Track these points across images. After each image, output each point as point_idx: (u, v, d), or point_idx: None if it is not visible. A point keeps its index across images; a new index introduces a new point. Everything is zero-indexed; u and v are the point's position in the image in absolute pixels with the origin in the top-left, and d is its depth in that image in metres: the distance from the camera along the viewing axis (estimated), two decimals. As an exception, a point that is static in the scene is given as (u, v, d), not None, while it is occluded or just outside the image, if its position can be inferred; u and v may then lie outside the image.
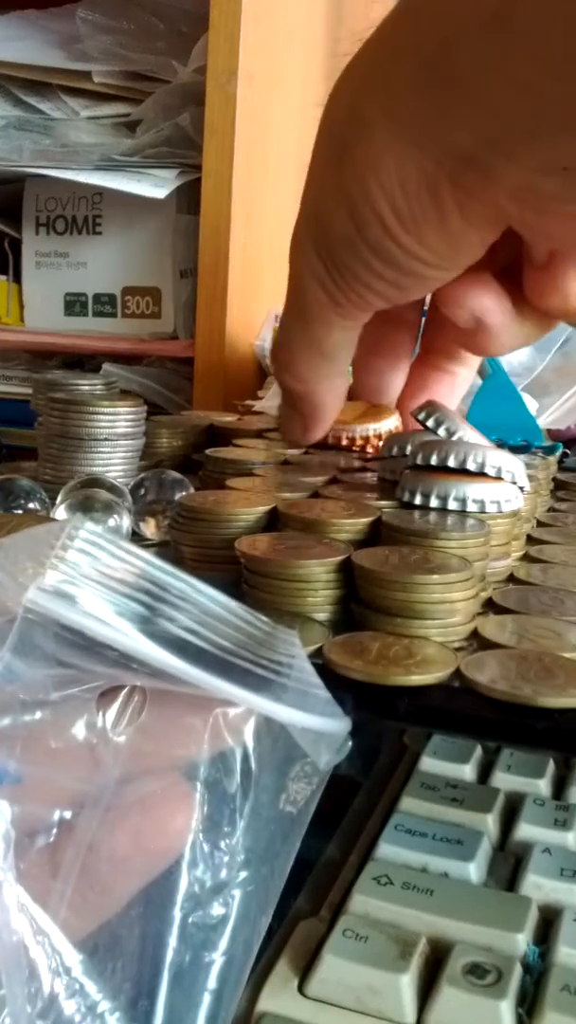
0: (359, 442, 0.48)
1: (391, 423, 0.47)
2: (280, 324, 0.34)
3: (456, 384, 0.38)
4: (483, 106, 0.24)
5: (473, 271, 0.29)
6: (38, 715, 0.21)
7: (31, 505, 0.39)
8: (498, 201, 0.25)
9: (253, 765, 0.22)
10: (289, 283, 0.32)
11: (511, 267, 0.31)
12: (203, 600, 0.23)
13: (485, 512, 0.33)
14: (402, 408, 0.39)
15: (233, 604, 0.23)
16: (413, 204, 0.26)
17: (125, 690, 0.21)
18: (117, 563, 0.22)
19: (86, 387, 0.44)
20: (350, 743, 0.23)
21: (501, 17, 0.22)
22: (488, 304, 0.31)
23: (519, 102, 0.23)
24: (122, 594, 0.21)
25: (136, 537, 0.39)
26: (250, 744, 0.22)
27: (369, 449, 0.47)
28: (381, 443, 0.47)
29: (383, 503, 0.35)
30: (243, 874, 0.22)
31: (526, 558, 0.36)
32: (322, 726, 0.22)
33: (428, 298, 0.35)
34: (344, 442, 0.48)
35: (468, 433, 0.38)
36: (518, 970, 0.26)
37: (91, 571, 0.21)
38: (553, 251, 0.29)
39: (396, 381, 0.38)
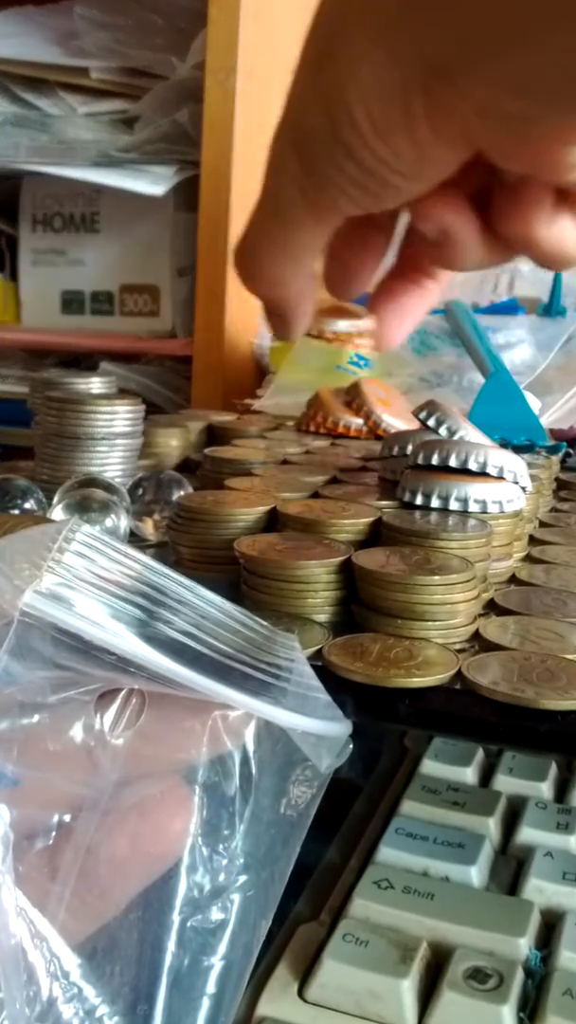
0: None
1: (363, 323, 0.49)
2: (248, 228, 0.35)
3: (425, 296, 0.40)
4: (452, 19, 0.25)
5: (447, 189, 0.31)
6: (36, 718, 0.21)
7: (28, 505, 0.39)
8: (465, 116, 0.27)
9: (253, 769, 0.22)
10: (263, 187, 0.34)
11: (485, 191, 0.32)
12: (201, 603, 0.22)
13: (487, 512, 0.33)
14: (372, 309, 0.40)
15: (231, 607, 0.23)
16: (387, 110, 0.28)
17: (123, 693, 0.21)
18: (114, 566, 0.21)
19: (83, 386, 0.44)
20: (351, 746, 0.23)
21: None
22: (455, 221, 0.33)
23: (480, 17, 0.24)
24: (119, 597, 0.21)
25: (134, 537, 0.39)
26: (250, 747, 0.22)
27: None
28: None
29: (384, 503, 0.35)
30: (242, 878, 0.22)
31: (528, 559, 0.36)
32: (322, 729, 0.22)
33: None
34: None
35: (469, 432, 0.38)
36: (520, 974, 0.26)
37: (88, 574, 0.21)
38: (523, 177, 0.31)
39: (362, 280, 0.39)
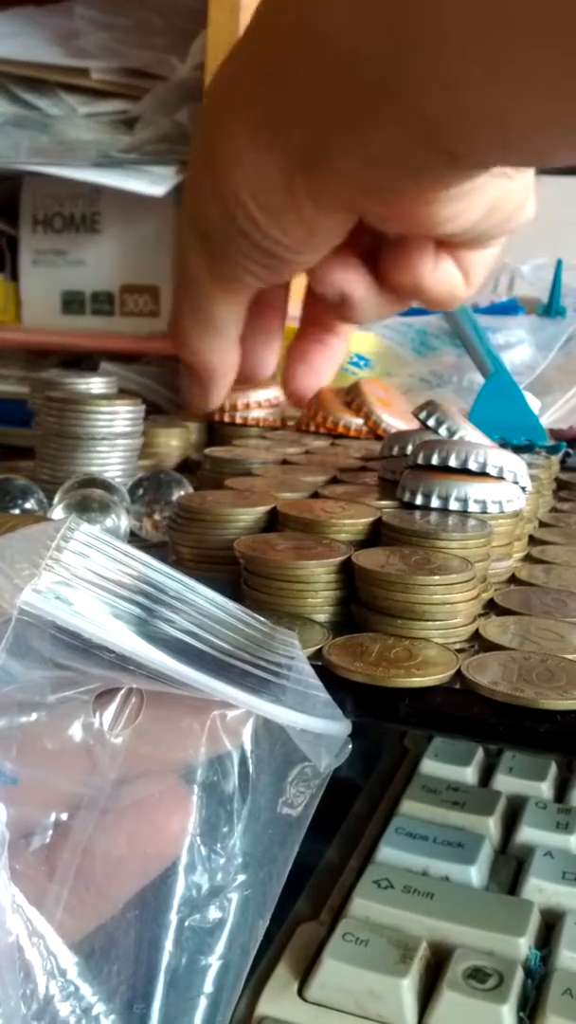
0: (240, 408, 0.52)
1: (271, 392, 0.52)
2: (173, 303, 0.38)
3: (332, 354, 0.43)
4: (307, 110, 0.27)
5: (339, 252, 0.33)
6: (34, 716, 0.21)
7: (28, 505, 0.39)
8: (342, 192, 0.29)
9: (251, 768, 0.22)
10: (179, 267, 0.36)
11: (374, 249, 0.35)
12: (200, 601, 0.22)
13: (487, 512, 0.33)
14: (286, 379, 0.43)
15: (231, 605, 0.23)
16: (272, 196, 0.30)
17: (122, 692, 0.21)
18: (113, 564, 0.21)
19: (83, 386, 0.44)
20: (351, 746, 0.23)
21: (303, 31, 0.26)
22: (349, 281, 0.35)
23: (326, 106, 0.26)
24: (118, 595, 0.21)
25: (134, 537, 0.39)
26: (248, 747, 0.22)
27: (248, 415, 0.52)
28: (259, 411, 0.52)
29: (383, 503, 0.35)
30: (241, 878, 0.22)
31: (528, 559, 0.36)
32: (322, 728, 0.22)
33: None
34: (227, 418, 0.52)
35: (469, 432, 0.38)
36: (519, 974, 0.26)
37: (86, 572, 0.21)
38: (403, 234, 0.33)
39: (270, 358, 0.42)
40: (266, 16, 0.28)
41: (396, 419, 0.51)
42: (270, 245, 0.31)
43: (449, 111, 0.23)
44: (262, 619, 0.24)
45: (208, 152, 0.32)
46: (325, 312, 0.40)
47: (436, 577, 0.27)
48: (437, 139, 0.24)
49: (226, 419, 0.52)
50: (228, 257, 0.33)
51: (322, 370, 0.42)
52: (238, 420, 0.52)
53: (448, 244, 0.34)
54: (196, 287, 0.35)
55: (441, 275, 0.34)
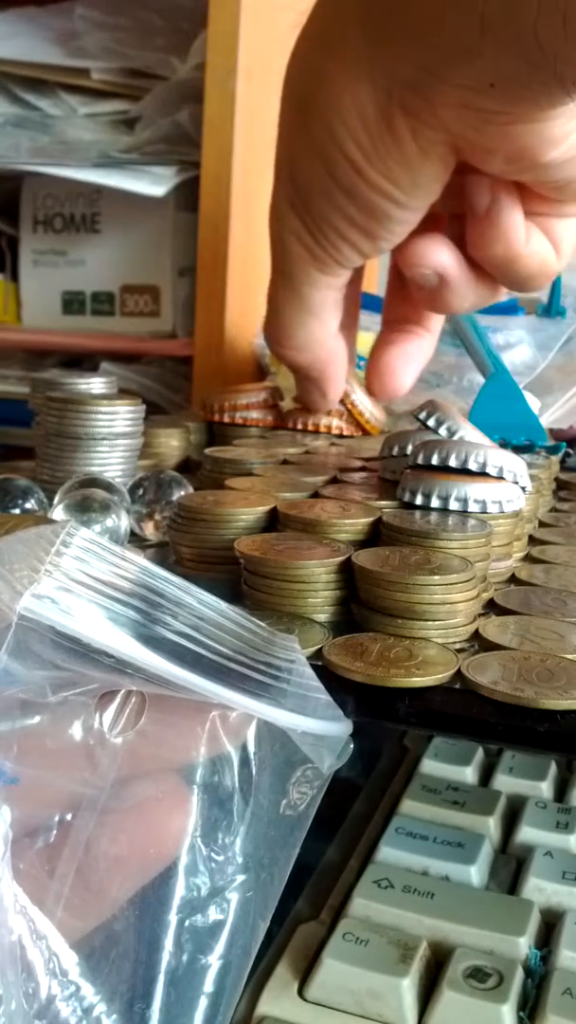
0: (238, 408, 0.51)
1: (265, 394, 0.51)
2: (268, 297, 0.37)
3: (422, 343, 0.42)
4: (415, 37, 0.27)
5: (429, 232, 0.33)
6: (36, 717, 0.21)
7: (29, 505, 0.39)
8: (444, 122, 0.29)
9: (253, 769, 0.22)
10: (272, 252, 0.36)
11: (460, 236, 0.35)
12: (198, 606, 0.22)
13: (486, 512, 0.33)
14: (372, 377, 0.42)
15: (230, 610, 0.23)
16: (374, 137, 0.30)
17: (123, 692, 0.21)
18: (112, 569, 0.21)
19: (84, 386, 0.44)
20: (352, 746, 0.23)
21: None
22: (447, 259, 0.35)
23: (440, 31, 0.26)
24: (118, 600, 0.21)
25: (134, 537, 0.39)
26: (251, 748, 0.22)
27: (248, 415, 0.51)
28: (255, 411, 0.51)
29: (383, 503, 0.35)
30: (242, 878, 0.22)
31: (528, 559, 0.36)
32: (322, 729, 0.22)
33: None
34: (227, 418, 0.51)
35: (469, 432, 0.38)
36: (520, 974, 0.26)
37: (85, 577, 0.21)
38: (494, 197, 0.33)
39: (351, 352, 0.42)
40: None
41: (369, 400, 0.51)
42: (373, 197, 0.31)
43: (564, 40, 0.24)
44: (261, 623, 0.24)
45: (303, 106, 0.31)
46: (413, 305, 0.39)
47: (436, 577, 0.27)
48: (552, 64, 0.25)
49: (225, 419, 0.52)
50: (328, 221, 0.32)
51: (415, 358, 0.41)
52: (237, 420, 0.52)
53: (537, 212, 0.33)
54: (292, 271, 0.35)
55: (536, 244, 0.34)
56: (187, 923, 0.21)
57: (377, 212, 0.31)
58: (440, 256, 0.35)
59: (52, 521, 0.34)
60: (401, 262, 0.36)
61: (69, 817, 0.21)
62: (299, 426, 0.51)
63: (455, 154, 0.30)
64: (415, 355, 0.41)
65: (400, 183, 0.31)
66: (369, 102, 0.29)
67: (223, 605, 0.23)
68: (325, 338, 0.37)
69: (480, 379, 0.54)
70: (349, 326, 0.40)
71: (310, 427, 0.51)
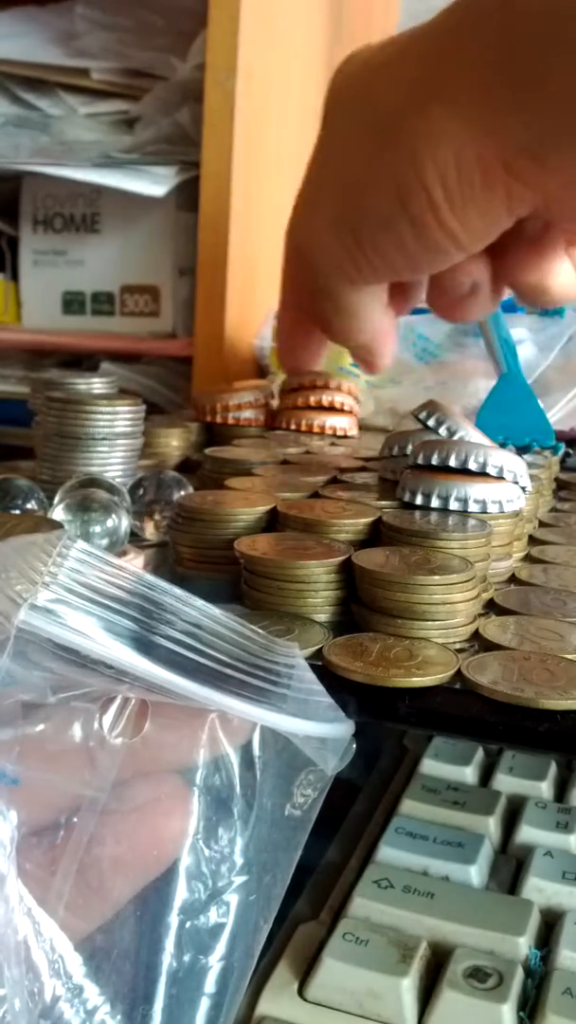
0: (232, 408, 0.52)
1: (260, 393, 0.53)
2: (277, 315, 0.40)
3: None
4: (549, 106, 0.27)
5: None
6: (37, 719, 0.21)
7: (29, 505, 0.39)
8: (547, 188, 0.29)
9: (257, 772, 0.22)
10: (298, 256, 0.36)
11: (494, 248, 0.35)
12: (196, 614, 0.23)
13: (486, 512, 0.33)
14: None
15: (227, 617, 0.23)
16: (464, 185, 0.29)
17: (123, 696, 0.21)
18: (108, 579, 0.22)
19: (84, 386, 0.44)
20: (354, 746, 0.23)
21: (555, 16, 0.25)
22: (484, 273, 0.36)
23: (569, 98, 0.26)
24: (115, 610, 0.21)
25: (134, 537, 0.39)
26: (255, 751, 0.22)
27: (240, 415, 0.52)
28: (249, 411, 0.52)
29: (383, 503, 0.35)
30: (244, 880, 0.22)
31: (528, 559, 0.36)
32: (325, 732, 0.22)
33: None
34: (219, 419, 0.52)
35: (469, 432, 0.38)
36: (519, 974, 0.26)
37: (82, 588, 0.21)
38: (546, 226, 0.33)
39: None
40: (499, 3, 0.27)
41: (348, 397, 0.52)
42: (440, 236, 0.31)
43: None
44: (259, 630, 0.24)
45: (388, 129, 0.30)
46: (436, 305, 0.40)
47: (436, 577, 0.27)
48: None
49: (218, 420, 0.52)
50: (377, 248, 0.32)
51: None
52: (230, 420, 0.52)
53: (572, 243, 0.34)
54: (329, 290, 0.35)
55: (565, 274, 0.35)
56: (189, 925, 0.21)
57: (437, 250, 0.31)
58: (479, 270, 0.35)
59: (52, 521, 0.34)
60: None
61: (70, 818, 0.21)
62: (292, 426, 0.51)
63: (539, 214, 0.30)
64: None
65: (472, 230, 0.30)
66: (470, 150, 0.28)
67: (219, 613, 0.23)
68: (371, 323, 0.37)
69: (484, 388, 0.53)
70: (397, 295, 0.40)
71: (303, 427, 0.51)
